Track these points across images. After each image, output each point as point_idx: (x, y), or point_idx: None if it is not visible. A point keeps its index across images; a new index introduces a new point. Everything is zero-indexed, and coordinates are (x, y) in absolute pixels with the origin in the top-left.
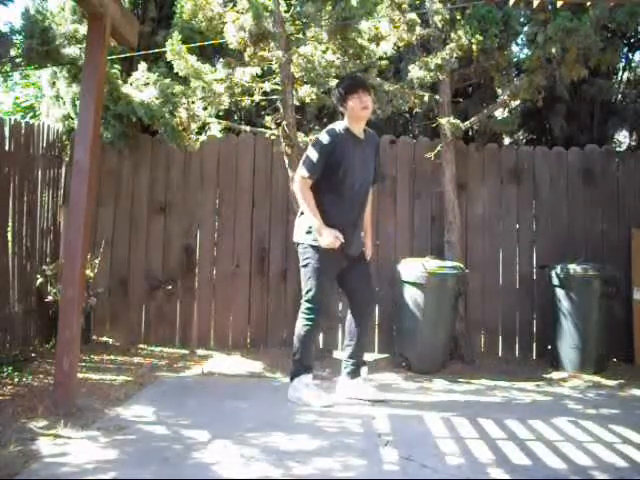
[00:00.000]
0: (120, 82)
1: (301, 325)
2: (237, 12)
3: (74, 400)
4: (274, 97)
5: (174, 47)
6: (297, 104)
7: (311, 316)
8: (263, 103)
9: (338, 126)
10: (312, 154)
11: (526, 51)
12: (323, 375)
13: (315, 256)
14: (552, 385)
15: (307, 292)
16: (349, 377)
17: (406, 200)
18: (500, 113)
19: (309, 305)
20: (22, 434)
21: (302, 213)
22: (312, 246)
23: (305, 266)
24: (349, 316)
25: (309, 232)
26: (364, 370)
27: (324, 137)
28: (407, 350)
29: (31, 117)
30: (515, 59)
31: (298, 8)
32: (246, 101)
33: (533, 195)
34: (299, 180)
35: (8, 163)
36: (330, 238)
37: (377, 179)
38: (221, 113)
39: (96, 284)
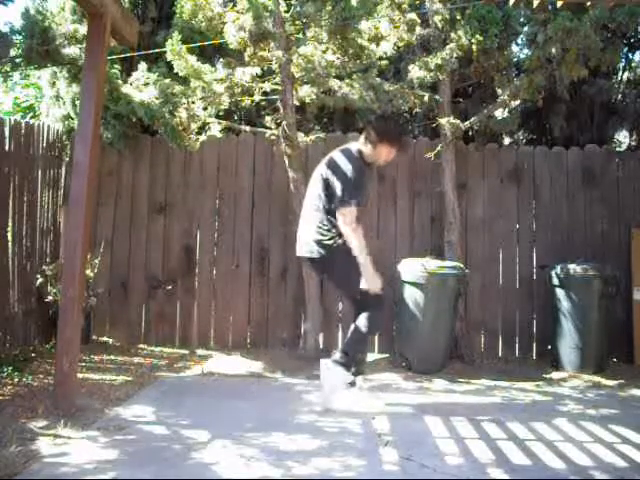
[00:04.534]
0: (120, 82)
1: (373, 319)
2: (237, 12)
3: (74, 400)
4: (274, 97)
5: (174, 47)
6: (297, 104)
7: (377, 312)
8: (263, 103)
9: (355, 151)
10: (348, 185)
11: (526, 51)
12: None
13: (342, 258)
14: (552, 385)
15: (360, 292)
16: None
17: (406, 200)
18: (500, 113)
19: (377, 304)
20: (22, 434)
21: (320, 227)
22: (334, 252)
23: (342, 275)
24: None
25: (328, 243)
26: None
27: (353, 166)
28: (407, 350)
29: (31, 117)
30: (515, 59)
31: (298, 8)
32: (246, 101)
33: (533, 195)
34: (351, 216)
35: (8, 163)
36: (378, 281)
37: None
38: (221, 113)
39: (96, 284)
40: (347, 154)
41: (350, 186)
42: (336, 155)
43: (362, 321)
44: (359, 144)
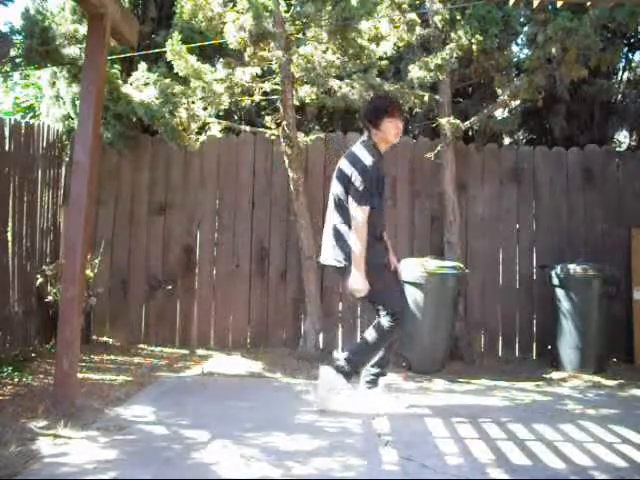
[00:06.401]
0: (120, 82)
1: (382, 331)
2: (237, 12)
3: (74, 400)
4: (274, 97)
5: (174, 47)
6: (297, 104)
7: (394, 326)
8: (263, 103)
9: (368, 146)
10: (360, 183)
11: (526, 51)
12: None
13: (377, 273)
14: (552, 385)
15: (387, 310)
16: (367, 386)
17: (406, 200)
18: (500, 113)
19: (394, 319)
20: (22, 434)
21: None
22: (372, 265)
23: (376, 286)
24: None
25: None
26: (382, 380)
27: (368, 163)
28: (407, 350)
29: (31, 117)
30: (515, 59)
31: (298, 8)
32: (246, 101)
33: (533, 195)
34: (362, 215)
35: (8, 163)
36: (362, 283)
37: None
38: (221, 113)
39: (96, 284)
40: (365, 155)
41: (358, 182)
42: (355, 148)
43: (370, 330)
44: (365, 140)
